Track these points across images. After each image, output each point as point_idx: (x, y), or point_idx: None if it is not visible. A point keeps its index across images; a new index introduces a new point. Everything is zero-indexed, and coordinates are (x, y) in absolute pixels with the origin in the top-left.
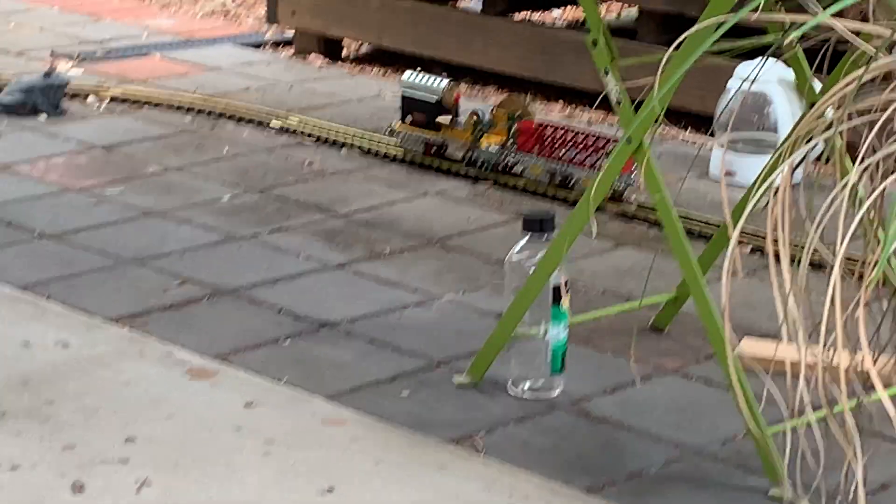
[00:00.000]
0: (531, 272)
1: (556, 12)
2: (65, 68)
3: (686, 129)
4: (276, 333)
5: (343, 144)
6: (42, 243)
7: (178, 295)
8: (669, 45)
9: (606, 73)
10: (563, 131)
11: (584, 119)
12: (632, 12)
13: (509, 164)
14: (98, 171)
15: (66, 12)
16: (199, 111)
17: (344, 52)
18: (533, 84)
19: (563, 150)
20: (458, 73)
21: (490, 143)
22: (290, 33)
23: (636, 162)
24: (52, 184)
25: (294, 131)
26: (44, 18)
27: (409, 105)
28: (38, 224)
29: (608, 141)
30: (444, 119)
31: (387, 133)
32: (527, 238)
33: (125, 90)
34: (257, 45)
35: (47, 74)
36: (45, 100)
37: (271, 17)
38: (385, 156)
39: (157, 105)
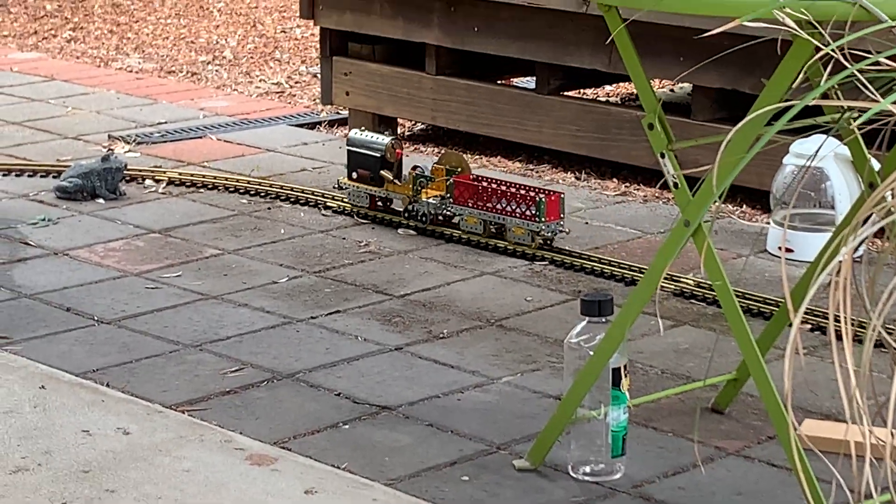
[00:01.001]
0: (590, 355)
1: (609, 88)
2: (122, 151)
3: (741, 205)
4: (336, 418)
5: (398, 225)
6: (101, 329)
7: (236, 380)
8: (724, 122)
9: (663, 156)
10: (496, 184)
11: (640, 196)
12: (684, 87)
13: (447, 215)
14: (156, 255)
15: (123, 95)
16: (256, 193)
17: (398, 131)
18: (587, 160)
19: (496, 202)
20: (512, 150)
21: (430, 196)
22: (344, 112)
23: (696, 245)
24: (110, 268)
25: (350, 213)
26: (100, 102)
27: (355, 161)
28: (97, 309)
29: (538, 192)
30: (387, 174)
31: (335, 188)
32: (585, 321)
33: (182, 173)
34: (312, 125)
35: (105, 158)
36: (103, 184)
37: (326, 97)
38: (441, 235)
39: (213, 187)
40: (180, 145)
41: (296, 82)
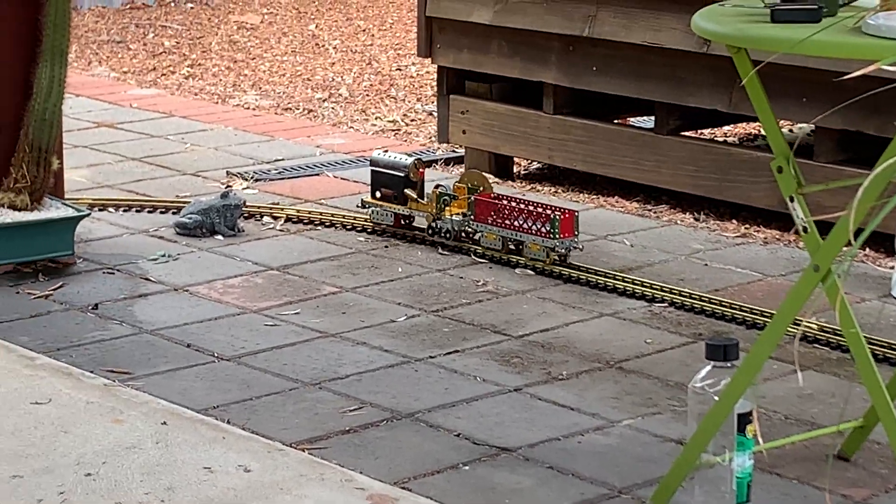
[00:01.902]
0: (715, 400)
1: (726, 128)
2: (240, 188)
3: (865, 248)
4: (455, 459)
5: (517, 265)
6: (221, 365)
7: (356, 419)
8: (847, 164)
9: (792, 200)
10: (515, 202)
11: (760, 237)
12: (803, 127)
13: (468, 232)
14: (274, 292)
15: (240, 132)
16: (373, 231)
17: (514, 170)
18: (706, 201)
19: (514, 219)
20: (629, 190)
21: (453, 214)
22: (460, 151)
23: (826, 292)
24: (229, 305)
25: (467, 252)
26: (219, 139)
27: (379, 180)
28: (216, 346)
29: (554, 210)
30: (411, 192)
31: (357, 206)
32: (710, 365)
33: (299, 210)
34: (428, 164)
35: (224, 195)
36: (222, 220)
37: (442, 136)
38: (560, 276)
39: (330, 225)
40: (297, 182)
41: (412, 120)
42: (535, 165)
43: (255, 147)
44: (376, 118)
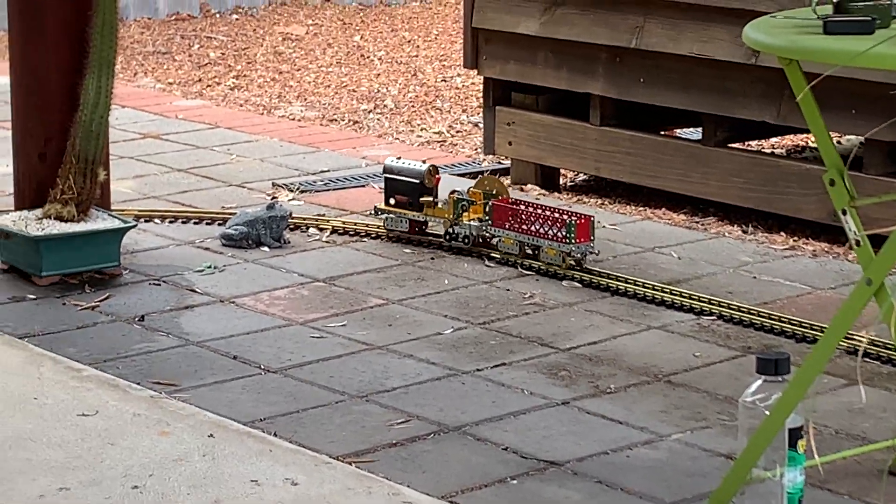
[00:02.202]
0: (766, 415)
1: (773, 140)
2: (286, 199)
3: None
4: (503, 473)
5: (563, 277)
6: (267, 378)
7: (403, 432)
8: None
9: (844, 213)
10: (532, 208)
11: (809, 250)
12: (851, 139)
13: (486, 237)
14: (321, 304)
15: (286, 143)
16: (419, 243)
17: (561, 181)
18: (754, 213)
19: (530, 224)
20: (677, 202)
21: (470, 220)
22: (506, 162)
23: (879, 305)
24: (275, 317)
25: (514, 264)
26: (264, 150)
27: (393, 187)
28: (263, 358)
29: (570, 215)
30: (426, 199)
31: (370, 214)
32: (761, 380)
33: (345, 222)
34: (474, 175)
35: (270, 206)
36: (268, 232)
37: (488, 147)
38: (607, 288)
39: (376, 237)
40: (343, 194)
41: (457, 131)
42: (582, 177)
43: (301, 158)
44: (422, 129)
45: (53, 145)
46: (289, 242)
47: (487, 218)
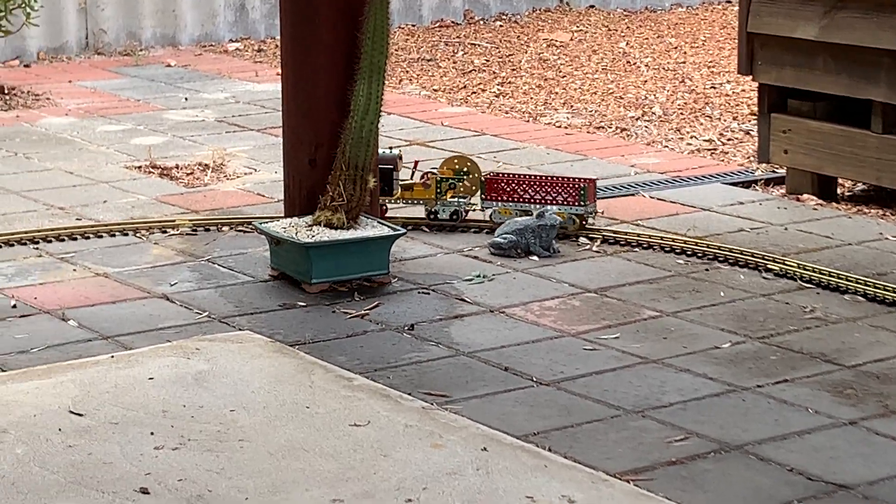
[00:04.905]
0: None
1: None
2: (554, 209)
3: None
4: (789, 495)
5: (846, 291)
6: (540, 390)
7: (682, 449)
8: None
9: None
10: (527, 178)
11: None
12: None
13: (467, 211)
14: (592, 316)
15: (553, 151)
16: (693, 253)
17: (838, 191)
18: None
19: (534, 193)
20: None
21: (451, 197)
22: (781, 171)
23: None
24: (547, 328)
25: (793, 276)
26: (531, 157)
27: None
28: (534, 370)
29: (577, 180)
30: (406, 182)
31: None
32: None
33: (616, 231)
34: (747, 184)
35: (540, 215)
36: (537, 241)
37: (762, 156)
38: (893, 303)
39: (648, 247)
40: (612, 202)
41: (728, 139)
42: (861, 187)
43: (569, 166)
44: (691, 137)
45: (323, 151)
46: (558, 252)
47: (482, 193)
